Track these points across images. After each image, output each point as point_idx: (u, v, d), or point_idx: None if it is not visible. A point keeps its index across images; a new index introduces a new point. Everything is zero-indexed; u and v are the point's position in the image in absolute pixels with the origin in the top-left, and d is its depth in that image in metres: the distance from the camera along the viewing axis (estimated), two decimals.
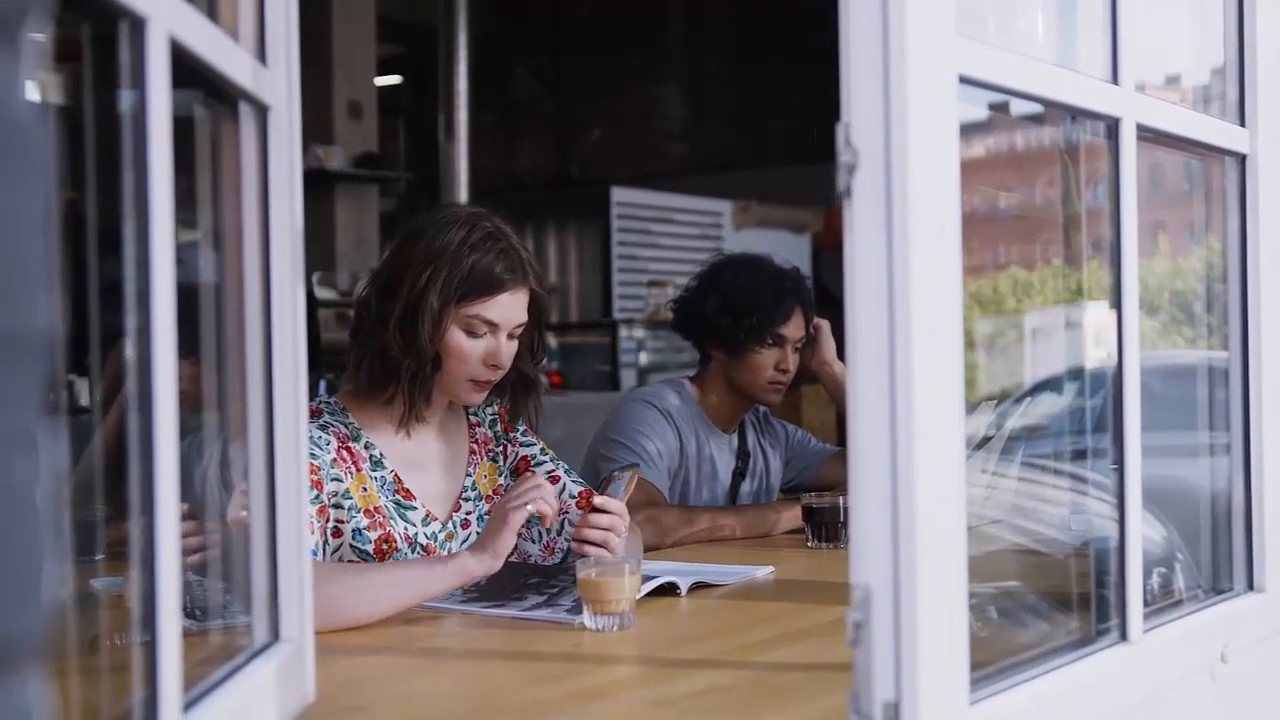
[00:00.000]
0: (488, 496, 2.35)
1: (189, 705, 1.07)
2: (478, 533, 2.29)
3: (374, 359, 2.20)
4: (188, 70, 1.09)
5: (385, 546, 2.16)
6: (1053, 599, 1.69)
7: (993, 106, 1.43)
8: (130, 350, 0.99)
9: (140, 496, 0.99)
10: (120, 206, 0.99)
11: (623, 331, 7.38)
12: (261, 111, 1.33)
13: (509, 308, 2.20)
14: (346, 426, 2.22)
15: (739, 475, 3.10)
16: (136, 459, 0.98)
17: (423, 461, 2.29)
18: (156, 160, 0.99)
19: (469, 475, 2.34)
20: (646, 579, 2.02)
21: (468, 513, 2.32)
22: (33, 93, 0.61)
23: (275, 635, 1.35)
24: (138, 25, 0.97)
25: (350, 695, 1.56)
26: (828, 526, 2.62)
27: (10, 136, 0.58)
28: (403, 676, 1.69)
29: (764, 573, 2.33)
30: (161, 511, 0.99)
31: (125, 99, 0.99)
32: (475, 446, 2.37)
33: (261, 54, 1.33)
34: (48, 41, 0.66)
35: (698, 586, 2.17)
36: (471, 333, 2.18)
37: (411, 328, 2.15)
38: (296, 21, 1.38)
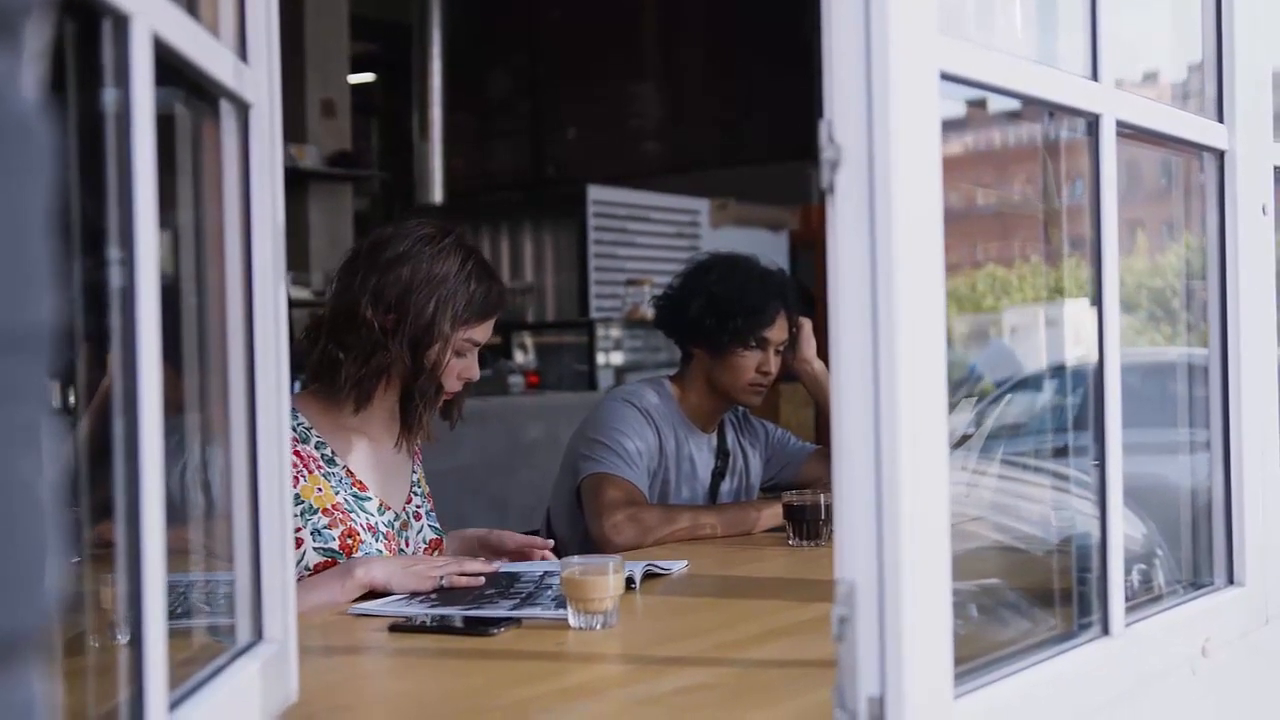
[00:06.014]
0: (428, 494, 2.46)
1: (174, 705, 1.06)
2: (429, 525, 2.41)
3: (376, 376, 2.24)
4: (168, 68, 1.08)
5: (350, 541, 2.21)
6: (1034, 595, 1.70)
7: (970, 103, 1.43)
8: (114, 351, 0.99)
9: (125, 497, 0.98)
10: (102, 205, 0.99)
11: (600, 331, 7.36)
12: (243, 110, 1.32)
13: (491, 328, 2.33)
14: (294, 429, 2.22)
15: (719, 474, 3.10)
16: (121, 460, 0.98)
17: (374, 458, 2.34)
18: (140, 158, 0.98)
19: (414, 472, 2.44)
20: None
21: (417, 505, 2.41)
22: (34, 91, 0.61)
23: (259, 635, 1.34)
24: (121, 22, 0.97)
25: (333, 695, 1.55)
26: (809, 524, 2.63)
27: (13, 134, 0.58)
28: (386, 676, 1.69)
29: (678, 567, 2.34)
30: (146, 512, 0.98)
31: (108, 96, 0.98)
32: (416, 448, 2.46)
33: (243, 51, 1.33)
34: (48, 39, 0.66)
35: (649, 576, 2.22)
36: (460, 353, 2.27)
37: (422, 352, 2.23)
38: (277, 18, 1.37)
